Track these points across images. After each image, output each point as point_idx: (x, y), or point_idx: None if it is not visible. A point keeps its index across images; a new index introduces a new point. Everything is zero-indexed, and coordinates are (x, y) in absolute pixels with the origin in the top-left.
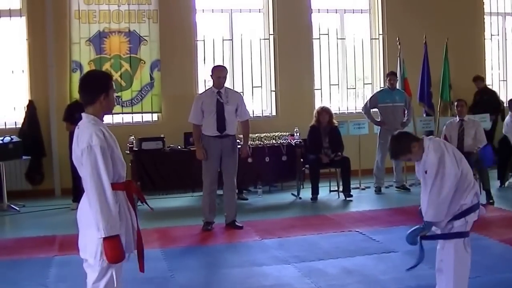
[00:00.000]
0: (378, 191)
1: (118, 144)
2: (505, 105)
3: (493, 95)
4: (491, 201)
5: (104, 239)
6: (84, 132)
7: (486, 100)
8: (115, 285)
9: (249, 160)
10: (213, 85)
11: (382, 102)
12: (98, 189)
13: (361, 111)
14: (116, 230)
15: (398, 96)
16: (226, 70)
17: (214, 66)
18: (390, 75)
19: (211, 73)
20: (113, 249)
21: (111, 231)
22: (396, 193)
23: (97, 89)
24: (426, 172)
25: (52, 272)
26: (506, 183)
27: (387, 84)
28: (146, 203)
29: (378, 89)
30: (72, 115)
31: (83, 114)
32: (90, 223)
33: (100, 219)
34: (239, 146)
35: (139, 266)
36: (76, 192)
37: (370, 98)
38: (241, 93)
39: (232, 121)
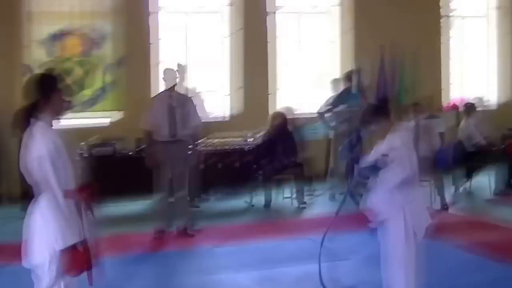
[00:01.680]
0: (332, 198)
1: (70, 148)
2: (460, 109)
3: None
4: (445, 206)
5: (62, 250)
6: (34, 141)
7: None
8: None
9: (201, 166)
10: (165, 89)
11: (338, 105)
12: (50, 200)
13: (316, 115)
14: (73, 240)
15: (354, 99)
16: (177, 72)
17: (166, 68)
18: (346, 78)
19: (163, 75)
20: (72, 261)
21: (67, 241)
22: (350, 199)
23: (41, 92)
24: (385, 155)
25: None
26: (461, 188)
27: (343, 87)
28: (92, 213)
29: (334, 93)
30: (22, 121)
31: (32, 120)
32: (39, 233)
33: (56, 230)
34: (190, 152)
35: (88, 278)
36: (25, 199)
37: (327, 101)
38: (194, 98)
39: (183, 126)
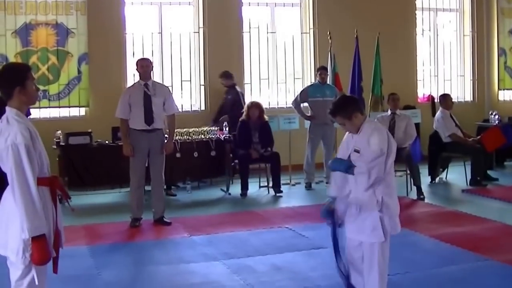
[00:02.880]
0: (308, 187)
1: (46, 138)
2: (436, 100)
3: None
4: (421, 196)
5: (31, 239)
6: (8, 129)
7: None
8: (37, 284)
9: (177, 155)
10: (140, 78)
11: (312, 97)
12: (22, 189)
13: (291, 105)
14: (42, 230)
15: (329, 90)
16: (151, 61)
17: (140, 58)
18: (320, 70)
19: (136, 66)
20: (39, 250)
21: (35, 231)
22: (326, 188)
23: (12, 82)
24: (357, 151)
25: None
26: (437, 179)
27: (317, 78)
28: (68, 201)
29: (309, 84)
30: None
31: (6, 108)
32: (13, 220)
33: (25, 219)
34: (166, 141)
35: (53, 267)
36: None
37: (301, 92)
38: (170, 87)
39: (159, 114)
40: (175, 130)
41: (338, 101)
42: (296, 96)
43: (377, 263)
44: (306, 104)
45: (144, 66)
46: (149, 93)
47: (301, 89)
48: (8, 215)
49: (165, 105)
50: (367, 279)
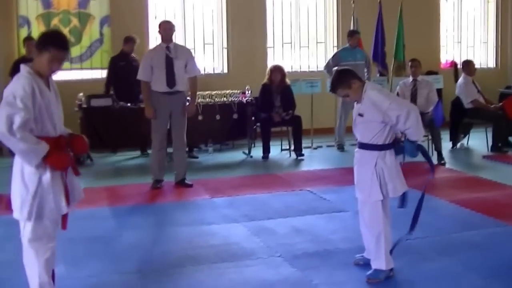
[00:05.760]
0: (340, 148)
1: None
2: (458, 66)
3: None
4: (442, 162)
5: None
6: (14, 81)
7: None
8: (49, 238)
9: (200, 118)
10: (162, 40)
11: (344, 60)
12: (4, 134)
13: (313, 69)
14: (43, 151)
15: (359, 54)
16: (173, 24)
17: (162, 21)
18: (352, 34)
19: (158, 28)
20: (55, 161)
21: (38, 157)
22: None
23: (38, 50)
24: (361, 115)
25: None
26: (458, 145)
27: (349, 42)
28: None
29: (332, 48)
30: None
31: (21, 65)
32: (15, 177)
33: (25, 161)
34: (188, 103)
35: (62, 223)
36: None
37: (333, 56)
38: (192, 50)
39: (181, 77)
40: (197, 93)
41: (333, 76)
42: (327, 60)
43: None
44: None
45: (167, 28)
46: (171, 55)
47: (324, 53)
48: (14, 175)
49: (187, 68)
50: None
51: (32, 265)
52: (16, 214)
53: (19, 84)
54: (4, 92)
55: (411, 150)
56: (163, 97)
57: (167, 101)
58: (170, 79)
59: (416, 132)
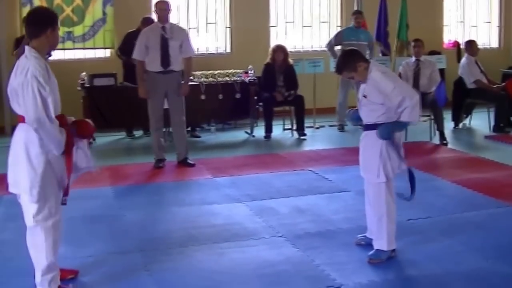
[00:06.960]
0: (341, 128)
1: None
2: (461, 46)
3: None
4: (444, 142)
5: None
6: (27, 63)
7: None
8: (55, 217)
9: (202, 97)
10: (157, 20)
11: (347, 40)
12: (42, 119)
13: (317, 49)
14: (63, 131)
15: (363, 34)
16: (169, 4)
17: (157, 0)
18: (356, 14)
19: (154, 8)
20: (82, 129)
21: (64, 137)
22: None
23: (46, 22)
24: (365, 96)
25: (0, 211)
26: (460, 125)
27: (353, 22)
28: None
29: (335, 28)
30: (18, 48)
31: (25, 47)
32: (19, 159)
33: (54, 147)
34: (183, 82)
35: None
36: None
37: (335, 35)
38: (195, 29)
39: (176, 57)
40: (200, 73)
41: (339, 58)
42: (330, 38)
43: None
44: (339, 47)
45: (162, 9)
46: (166, 36)
47: (327, 33)
48: (18, 154)
49: (182, 48)
50: None
51: (40, 247)
52: (24, 197)
53: (34, 65)
54: (18, 74)
55: (385, 132)
56: (157, 77)
57: (161, 80)
58: (165, 59)
59: (411, 115)
